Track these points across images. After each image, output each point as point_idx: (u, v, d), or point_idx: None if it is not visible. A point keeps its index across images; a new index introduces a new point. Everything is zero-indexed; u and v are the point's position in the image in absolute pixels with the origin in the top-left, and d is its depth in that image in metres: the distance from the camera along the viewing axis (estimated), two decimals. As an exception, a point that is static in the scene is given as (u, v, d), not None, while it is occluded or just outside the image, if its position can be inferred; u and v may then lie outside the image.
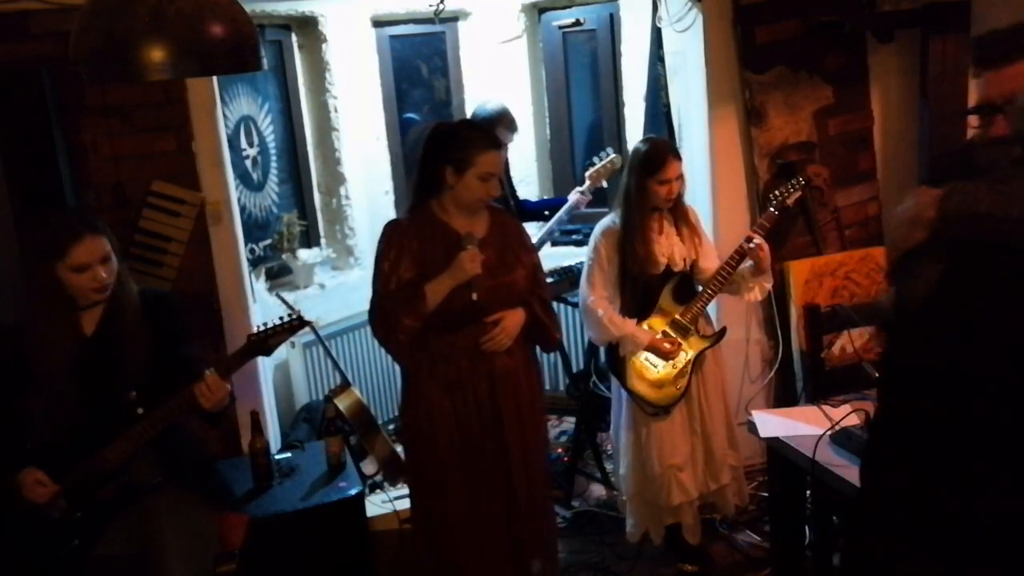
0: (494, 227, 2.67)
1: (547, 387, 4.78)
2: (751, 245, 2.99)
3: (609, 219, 3.10)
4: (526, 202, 4.32)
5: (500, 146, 2.60)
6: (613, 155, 3.96)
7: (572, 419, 4.16)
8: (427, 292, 2.52)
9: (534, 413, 2.78)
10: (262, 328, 2.40)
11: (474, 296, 2.52)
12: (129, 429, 2.30)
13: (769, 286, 3.14)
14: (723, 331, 3.14)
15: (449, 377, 2.62)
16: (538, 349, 2.84)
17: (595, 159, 4.00)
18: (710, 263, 3.12)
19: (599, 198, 4.07)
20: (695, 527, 3.19)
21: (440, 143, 2.58)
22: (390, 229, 2.63)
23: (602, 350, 3.21)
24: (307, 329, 2.57)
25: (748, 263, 3.04)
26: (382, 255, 2.61)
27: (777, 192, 3.11)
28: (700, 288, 3.09)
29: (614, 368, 3.09)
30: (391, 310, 2.55)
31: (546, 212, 4.09)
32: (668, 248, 3.05)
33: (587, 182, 3.96)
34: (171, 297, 2.49)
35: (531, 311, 2.69)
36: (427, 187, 2.62)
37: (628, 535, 3.27)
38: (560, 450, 4.17)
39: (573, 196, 3.96)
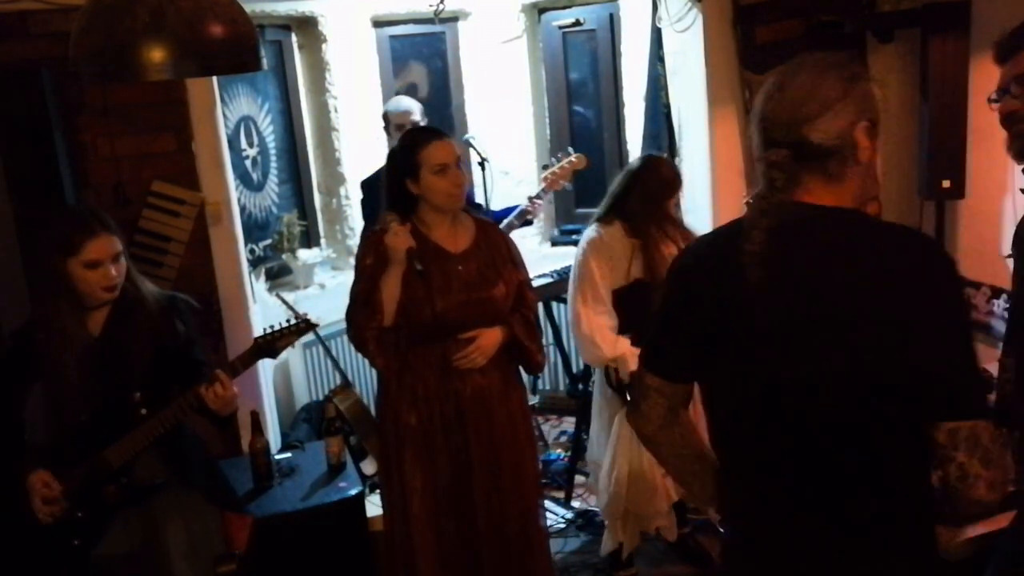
0: (479, 240, 2.59)
1: (547, 387, 4.78)
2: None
3: (594, 231, 2.98)
4: (490, 212, 4.04)
5: (442, 135, 2.51)
6: (574, 155, 3.71)
7: (572, 419, 4.16)
8: (381, 286, 2.45)
9: (515, 440, 2.62)
10: (269, 331, 2.39)
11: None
12: (133, 429, 2.30)
13: None
14: None
15: (416, 392, 2.53)
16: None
17: (552, 160, 3.72)
18: None
19: (593, 198, 3.92)
20: (672, 527, 3.15)
21: (391, 163, 2.55)
22: (367, 238, 2.55)
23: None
24: (308, 329, 2.56)
25: None
26: (359, 263, 2.54)
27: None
28: None
29: (619, 385, 2.98)
30: (355, 315, 2.51)
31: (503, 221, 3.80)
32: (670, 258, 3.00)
33: (541, 185, 3.72)
34: (184, 301, 2.48)
35: (510, 331, 2.58)
36: (401, 210, 2.53)
37: (603, 547, 3.18)
38: (560, 450, 4.17)
39: (524, 202, 3.72)
